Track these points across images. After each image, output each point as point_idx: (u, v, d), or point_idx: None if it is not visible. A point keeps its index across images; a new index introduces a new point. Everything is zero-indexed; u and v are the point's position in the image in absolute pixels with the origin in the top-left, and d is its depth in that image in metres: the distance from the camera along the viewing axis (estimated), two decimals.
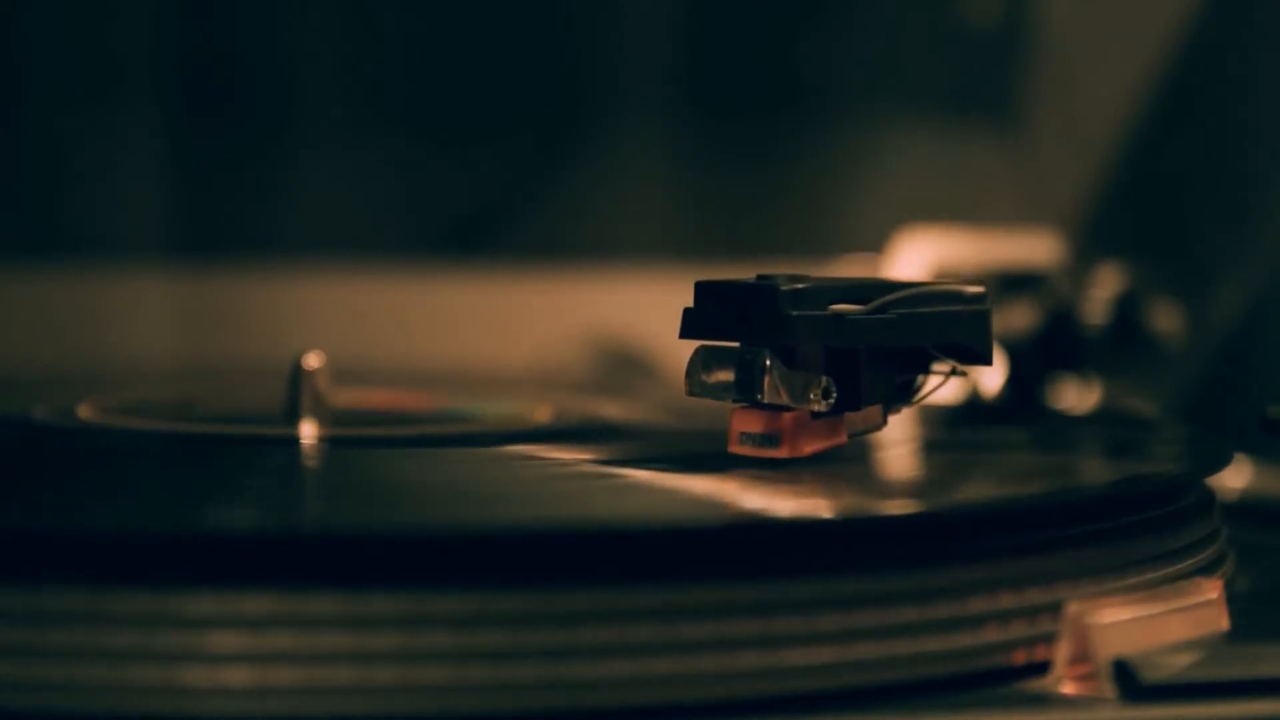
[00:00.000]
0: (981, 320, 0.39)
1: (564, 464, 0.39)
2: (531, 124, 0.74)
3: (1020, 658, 0.33)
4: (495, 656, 0.29)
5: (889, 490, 0.38)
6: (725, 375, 0.37)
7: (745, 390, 0.37)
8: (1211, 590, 0.35)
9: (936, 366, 0.39)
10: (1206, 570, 0.37)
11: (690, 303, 0.38)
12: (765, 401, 0.37)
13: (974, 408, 0.55)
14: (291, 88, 0.72)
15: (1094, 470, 0.44)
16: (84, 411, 0.47)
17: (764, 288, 0.37)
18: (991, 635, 0.32)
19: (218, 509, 0.34)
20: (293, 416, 0.45)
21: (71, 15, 0.70)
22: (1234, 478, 0.51)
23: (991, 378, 0.57)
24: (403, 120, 0.74)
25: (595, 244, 0.74)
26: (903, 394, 0.39)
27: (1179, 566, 0.36)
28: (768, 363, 0.37)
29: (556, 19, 0.75)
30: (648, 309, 0.68)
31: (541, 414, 0.49)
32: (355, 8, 0.73)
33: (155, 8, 0.70)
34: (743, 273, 0.39)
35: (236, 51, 0.72)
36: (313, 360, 0.45)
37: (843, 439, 0.38)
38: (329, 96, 0.73)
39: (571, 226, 0.75)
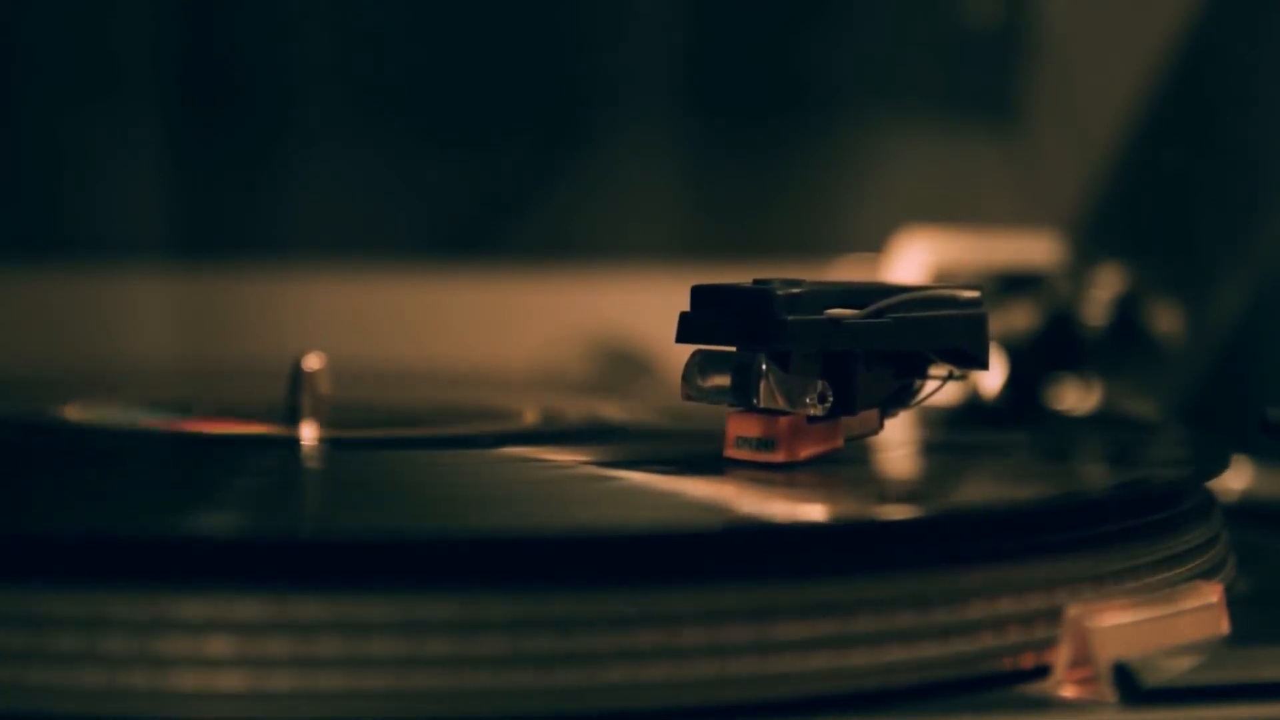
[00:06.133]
0: (978, 324, 0.39)
1: (563, 466, 0.39)
2: (532, 124, 0.74)
3: (1021, 661, 0.33)
4: (493, 661, 0.29)
5: (887, 494, 0.38)
6: (721, 380, 0.37)
7: (741, 395, 0.37)
8: (1212, 593, 0.35)
9: (933, 370, 0.39)
10: (1207, 573, 0.37)
11: (688, 306, 0.38)
12: (761, 406, 0.37)
13: (974, 409, 0.55)
14: (291, 88, 0.72)
15: (1094, 473, 0.44)
16: (82, 411, 0.47)
17: (760, 292, 0.37)
18: (991, 639, 0.32)
19: (201, 511, 0.34)
20: (293, 417, 0.45)
21: (71, 15, 0.70)
22: (1234, 480, 0.51)
23: (991, 379, 0.57)
24: (403, 120, 0.74)
25: (596, 244, 0.74)
26: (899, 398, 0.39)
27: (1179, 570, 0.36)
28: (764, 367, 0.36)
29: (557, 19, 0.75)
30: (648, 309, 0.67)
31: (541, 415, 0.49)
32: (355, 7, 0.73)
33: (155, 8, 0.70)
34: (743, 273, 0.39)
35: (236, 51, 0.72)
36: (313, 360, 0.45)
37: (839, 443, 0.38)
38: (329, 96, 0.72)
39: (572, 227, 0.75)
